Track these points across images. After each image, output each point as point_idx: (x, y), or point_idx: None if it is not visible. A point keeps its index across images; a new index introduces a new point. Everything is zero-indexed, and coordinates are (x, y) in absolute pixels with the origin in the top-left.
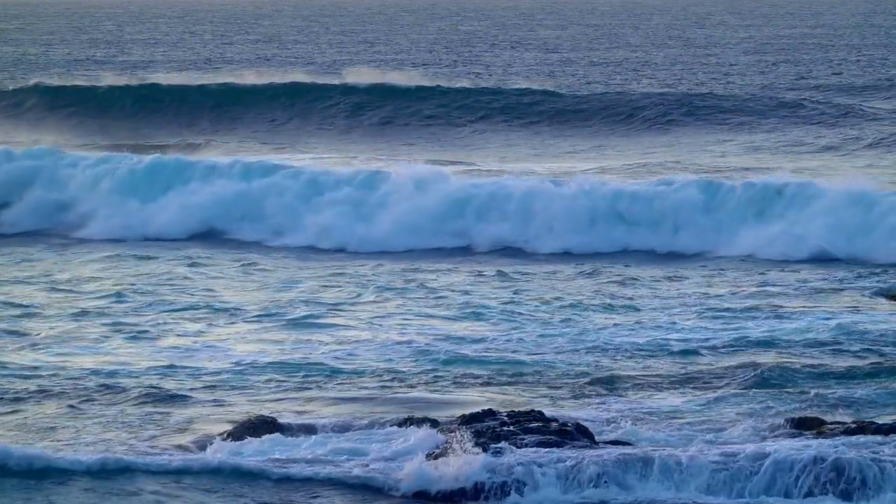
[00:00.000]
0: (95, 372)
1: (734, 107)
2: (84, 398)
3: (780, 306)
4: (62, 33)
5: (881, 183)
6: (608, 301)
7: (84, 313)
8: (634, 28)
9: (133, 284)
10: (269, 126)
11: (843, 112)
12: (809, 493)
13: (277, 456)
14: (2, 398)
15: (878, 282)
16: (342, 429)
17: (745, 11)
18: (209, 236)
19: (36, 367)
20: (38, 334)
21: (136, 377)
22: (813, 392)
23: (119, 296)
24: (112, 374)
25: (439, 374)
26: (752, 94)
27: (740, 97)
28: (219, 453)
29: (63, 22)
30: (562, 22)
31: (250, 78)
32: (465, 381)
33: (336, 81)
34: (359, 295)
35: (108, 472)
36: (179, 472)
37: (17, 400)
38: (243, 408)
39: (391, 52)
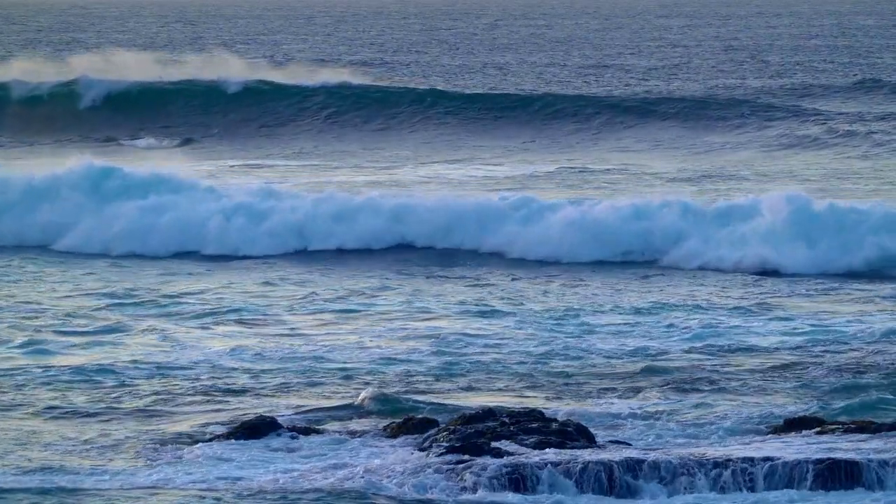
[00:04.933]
0: (79, 371)
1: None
2: (67, 400)
3: (778, 307)
4: (51, 33)
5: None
6: (606, 303)
7: (72, 313)
8: (618, 29)
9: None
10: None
11: (791, 113)
12: (810, 493)
13: (273, 460)
14: None
15: (866, 288)
16: (340, 431)
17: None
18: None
19: (22, 370)
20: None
21: (123, 379)
22: (813, 392)
23: (97, 297)
24: (98, 375)
25: (438, 374)
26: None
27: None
28: (208, 459)
29: (47, 19)
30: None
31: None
32: (464, 381)
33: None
34: (359, 295)
35: (70, 491)
36: (158, 486)
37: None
38: (242, 409)
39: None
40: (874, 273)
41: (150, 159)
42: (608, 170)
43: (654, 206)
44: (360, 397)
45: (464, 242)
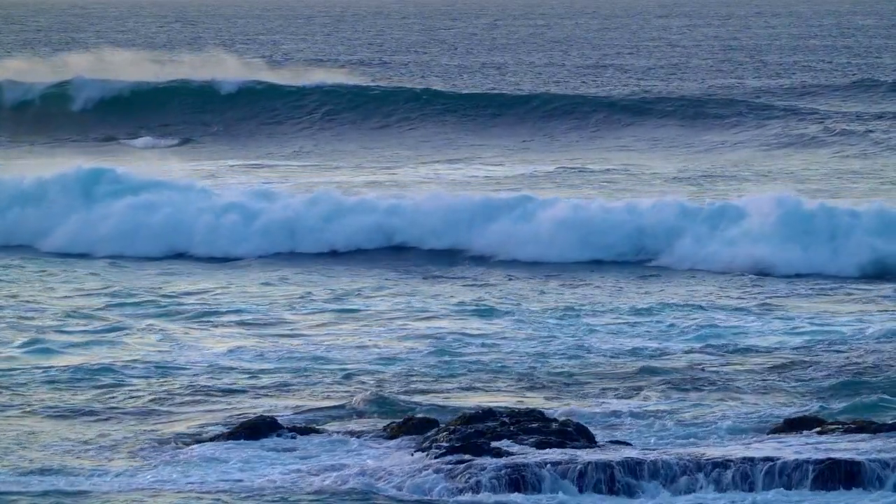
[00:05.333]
0: (79, 371)
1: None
2: (66, 400)
3: (778, 307)
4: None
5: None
6: (605, 303)
7: (72, 313)
8: (609, 30)
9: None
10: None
11: (784, 113)
12: (810, 493)
13: (272, 461)
14: None
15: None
16: (340, 432)
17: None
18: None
19: (21, 370)
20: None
21: (123, 379)
22: (813, 392)
23: (97, 297)
24: (97, 375)
25: (438, 374)
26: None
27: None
28: (207, 460)
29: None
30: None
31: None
32: (464, 381)
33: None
34: (357, 295)
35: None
36: (156, 488)
37: None
38: (241, 409)
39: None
40: (868, 274)
41: (148, 159)
42: (607, 170)
43: (648, 207)
44: (354, 399)
45: (460, 242)
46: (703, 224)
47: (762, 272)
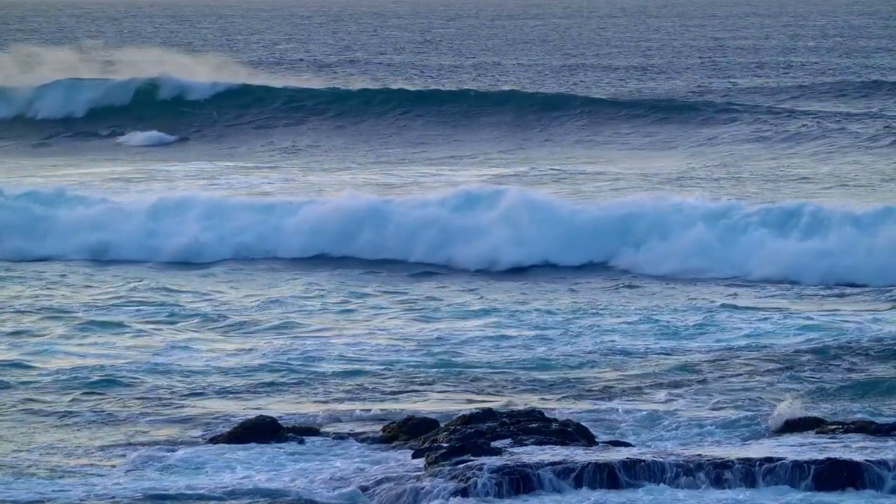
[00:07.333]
0: (75, 372)
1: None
2: (60, 403)
3: (777, 307)
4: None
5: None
6: (603, 304)
7: (69, 314)
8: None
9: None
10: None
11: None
12: (810, 494)
13: (272, 461)
14: None
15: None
16: (339, 432)
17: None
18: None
19: (17, 371)
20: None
21: (119, 381)
22: (814, 392)
23: (93, 298)
24: (93, 376)
25: (438, 374)
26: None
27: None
28: (206, 461)
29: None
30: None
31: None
32: (464, 381)
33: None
34: (356, 298)
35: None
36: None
37: None
38: (240, 410)
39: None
40: (862, 273)
41: (145, 158)
42: (600, 172)
43: (639, 207)
44: (364, 405)
45: (456, 243)
46: (698, 224)
47: (757, 273)
